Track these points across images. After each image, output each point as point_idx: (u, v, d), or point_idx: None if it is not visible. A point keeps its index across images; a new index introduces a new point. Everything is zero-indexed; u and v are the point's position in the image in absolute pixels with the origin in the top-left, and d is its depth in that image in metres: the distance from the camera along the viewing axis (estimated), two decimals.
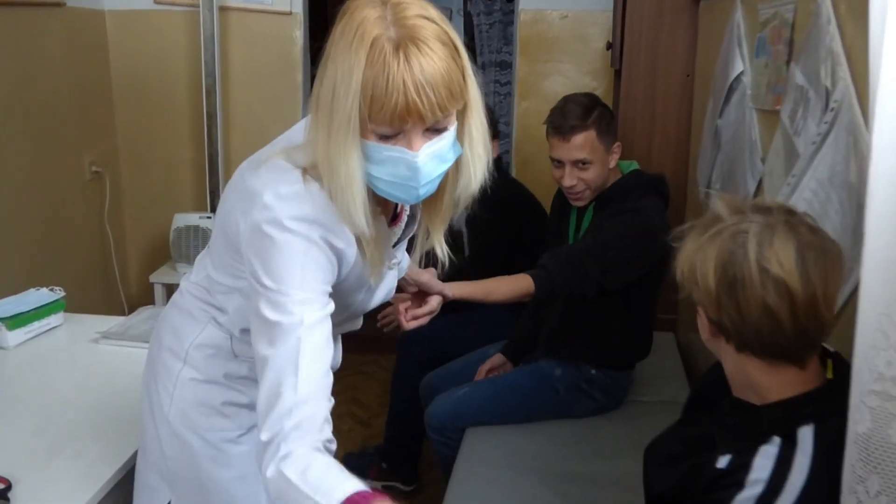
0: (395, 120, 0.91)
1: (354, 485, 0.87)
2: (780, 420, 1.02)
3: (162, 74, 3.18)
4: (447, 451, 2.03)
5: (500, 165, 2.53)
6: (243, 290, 1.11)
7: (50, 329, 1.94)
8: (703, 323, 1.09)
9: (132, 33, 3.15)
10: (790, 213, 1.05)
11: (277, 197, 0.98)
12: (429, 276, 1.48)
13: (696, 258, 1.06)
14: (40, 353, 1.83)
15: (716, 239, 1.04)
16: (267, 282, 0.97)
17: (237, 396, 1.23)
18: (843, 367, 1.09)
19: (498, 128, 2.50)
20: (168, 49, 3.15)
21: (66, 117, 2.91)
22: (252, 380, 1.16)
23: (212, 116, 3.06)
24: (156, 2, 3.10)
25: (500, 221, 2.37)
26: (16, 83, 2.61)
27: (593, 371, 2.02)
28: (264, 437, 0.93)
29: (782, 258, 0.98)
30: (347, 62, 0.90)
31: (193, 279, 1.24)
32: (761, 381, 1.05)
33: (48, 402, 1.58)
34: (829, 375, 1.07)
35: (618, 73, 2.79)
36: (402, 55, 0.89)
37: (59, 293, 1.98)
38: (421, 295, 1.51)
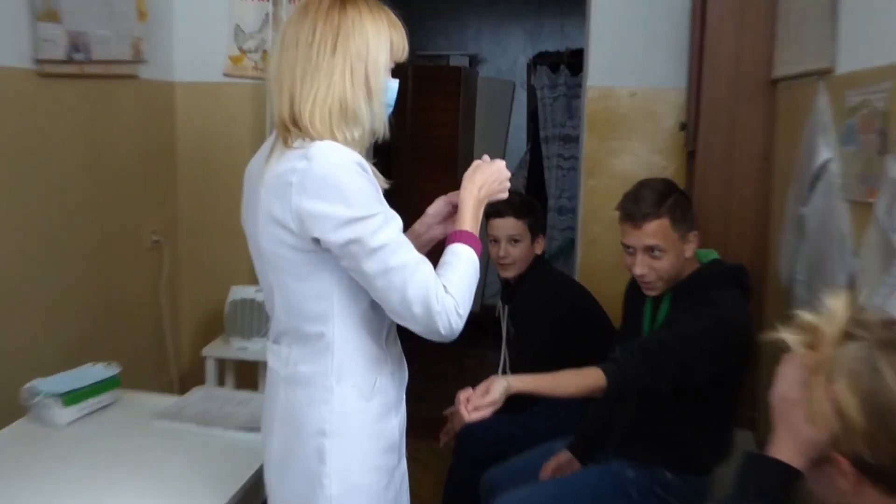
0: (401, 59, 1.42)
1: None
2: None
3: (226, 145, 3.28)
4: None
5: (541, 260, 2.59)
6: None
7: (103, 407, 1.96)
8: (839, 471, 1.00)
9: (200, 104, 3.28)
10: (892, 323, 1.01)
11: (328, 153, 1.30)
12: (441, 200, 1.60)
13: (830, 397, 0.98)
14: (93, 431, 1.85)
15: (842, 371, 0.98)
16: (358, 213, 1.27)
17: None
18: None
19: (545, 219, 2.56)
20: (234, 120, 3.26)
21: (131, 186, 3.02)
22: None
23: None
24: (225, 74, 3.23)
25: (540, 316, 2.43)
26: (87, 153, 2.73)
27: (669, 475, 1.95)
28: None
29: None
30: (377, 26, 1.36)
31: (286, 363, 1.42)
32: None
33: (100, 485, 1.59)
34: None
35: (691, 155, 2.77)
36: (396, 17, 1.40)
37: (114, 369, 2.01)
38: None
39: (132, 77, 2.95)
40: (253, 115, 3.24)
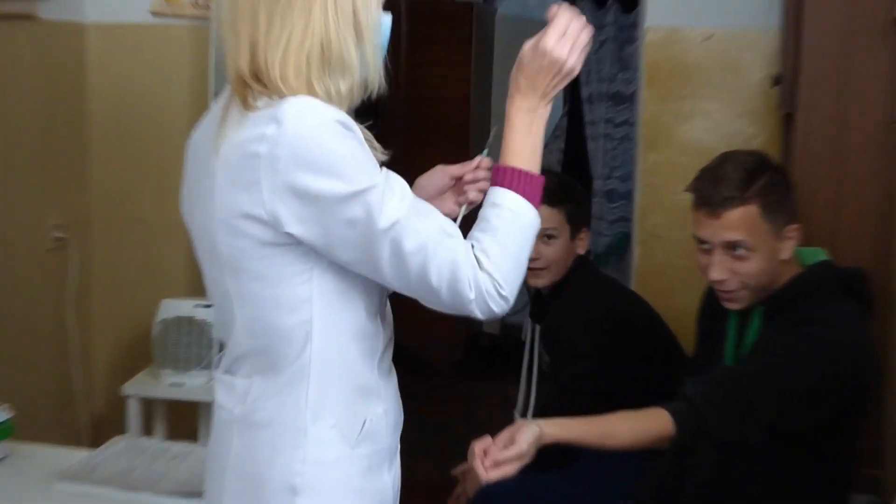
0: None
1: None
2: None
3: (156, 108, 3.29)
4: None
5: (585, 262, 2.60)
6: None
7: None
8: None
9: (120, 53, 3.29)
10: None
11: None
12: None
13: None
14: None
15: None
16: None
17: None
18: None
19: (589, 208, 2.57)
20: (165, 74, 3.27)
21: (26, 164, 3.02)
22: None
23: None
24: (153, 13, 3.23)
25: (583, 339, 2.44)
26: None
27: None
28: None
29: None
30: None
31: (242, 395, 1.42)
32: None
33: None
34: None
35: (788, 119, 2.75)
36: None
37: (4, 414, 2.01)
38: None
39: (28, 17, 2.94)
40: (192, 67, 3.25)
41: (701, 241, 1.95)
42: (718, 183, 1.90)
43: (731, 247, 1.90)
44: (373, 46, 1.39)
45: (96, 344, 3.44)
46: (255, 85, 1.33)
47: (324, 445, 1.40)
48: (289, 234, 1.31)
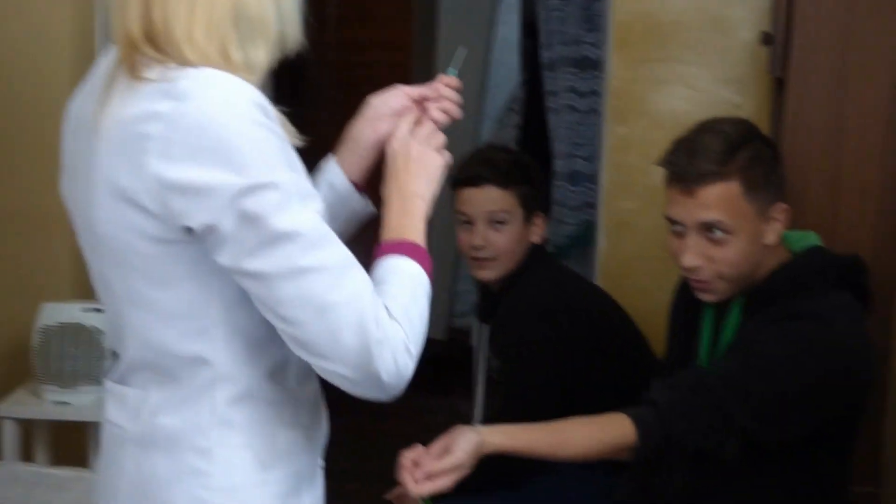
0: None
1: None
2: None
3: (29, 75, 3.25)
4: None
5: (540, 252, 2.61)
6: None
7: None
8: None
9: None
10: None
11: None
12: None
13: None
14: None
15: None
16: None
17: None
18: None
19: (547, 190, 2.59)
20: (40, 35, 3.23)
21: None
22: None
23: None
24: None
25: (539, 339, 2.44)
26: None
27: None
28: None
29: None
30: None
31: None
32: None
33: None
34: None
35: (780, 84, 2.78)
36: None
37: None
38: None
39: None
40: (73, 26, 3.21)
41: (673, 223, 1.96)
42: (695, 155, 1.91)
43: (707, 229, 1.91)
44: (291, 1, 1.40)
45: None
46: (147, 48, 1.31)
47: (233, 469, 1.40)
48: (182, 230, 1.30)
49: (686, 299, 2.10)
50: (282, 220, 1.27)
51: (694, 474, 1.97)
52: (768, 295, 1.94)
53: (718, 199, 1.89)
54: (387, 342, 1.31)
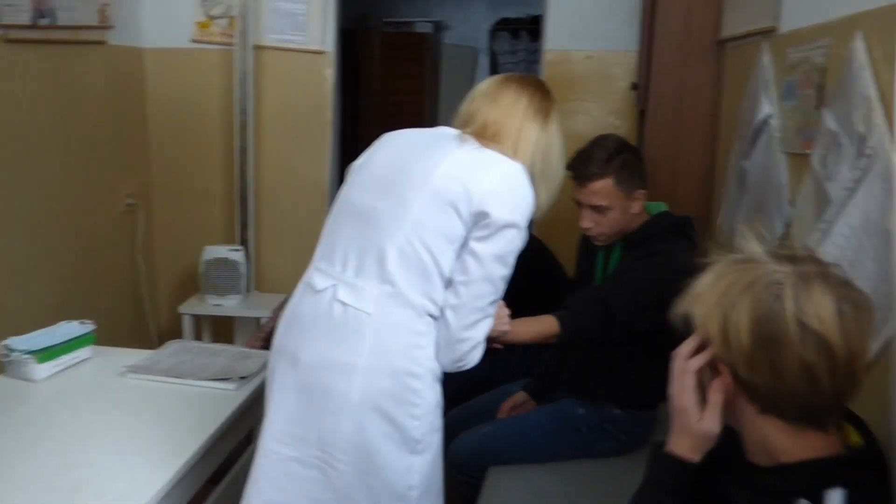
0: None
1: None
2: (805, 482, 0.95)
3: (196, 110, 3.20)
4: (469, 489, 1.98)
5: None
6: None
7: (79, 362, 1.92)
8: (722, 382, 1.01)
9: (169, 70, 3.18)
10: (820, 262, 0.99)
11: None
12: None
13: (726, 311, 0.98)
14: (68, 386, 1.81)
15: (749, 291, 0.97)
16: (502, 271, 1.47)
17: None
18: (870, 434, 1.02)
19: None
20: (203, 85, 3.18)
21: (104, 152, 2.93)
22: None
23: (244, 151, 3.07)
24: (193, 41, 3.13)
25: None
26: (57, 117, 2.64)
27: (616, 411, 1.96)
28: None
29: (821, 313, 0.92)
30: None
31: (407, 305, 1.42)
32: (779, 444, 0.97)
33: (74, 438, 1.55)
34: (857, 441, 1.01)
35: (642, 114, 2.75)
36: None
37: (88, 326, 1.96)
38: None
39: (100, 43, 2.84)
40: (222, 80, 3.15)
41: (577, 202, 1.94)
42: (587, 163, 1.87)
43: (594, 207, 1.88)
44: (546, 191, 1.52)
45: (159, 278, 3.38)
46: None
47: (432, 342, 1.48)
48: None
49: (586, 244, 2.07)
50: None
51: (592, 350, 1.98)
52: (637, 241, 1.91)
53: (601, 189, 1.85)
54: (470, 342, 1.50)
